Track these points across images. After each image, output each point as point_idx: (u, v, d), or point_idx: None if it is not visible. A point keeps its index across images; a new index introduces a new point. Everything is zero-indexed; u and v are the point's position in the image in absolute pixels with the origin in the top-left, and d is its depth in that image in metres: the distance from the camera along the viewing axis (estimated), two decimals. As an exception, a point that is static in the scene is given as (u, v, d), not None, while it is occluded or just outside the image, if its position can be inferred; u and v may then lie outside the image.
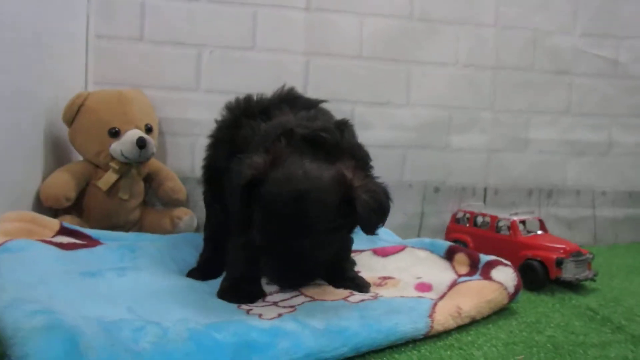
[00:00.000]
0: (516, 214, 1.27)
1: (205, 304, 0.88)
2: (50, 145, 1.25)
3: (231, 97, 1.42)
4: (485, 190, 1.57)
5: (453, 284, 0.99)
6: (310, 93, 1.45)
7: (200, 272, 1.05)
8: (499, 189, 1.57)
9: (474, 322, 0.93)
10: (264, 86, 1.43)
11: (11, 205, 1.08)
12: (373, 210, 0.83)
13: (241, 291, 0.92)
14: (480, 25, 1.52)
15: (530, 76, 1.56)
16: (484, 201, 1.56)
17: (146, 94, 1.38)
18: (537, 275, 1.12)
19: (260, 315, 0.84)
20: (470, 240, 1.34)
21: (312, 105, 1.03)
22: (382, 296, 0.95)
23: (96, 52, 1.40)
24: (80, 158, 1.29)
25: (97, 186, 1.24)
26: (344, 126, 0.95)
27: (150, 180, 1.36)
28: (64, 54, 1.32)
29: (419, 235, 1.54)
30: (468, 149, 1.54)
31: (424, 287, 1.01)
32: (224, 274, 1.00)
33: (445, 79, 1.51)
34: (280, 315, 0.84)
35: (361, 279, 1.03)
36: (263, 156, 0.84)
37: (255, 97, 1.06)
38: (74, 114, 1.23)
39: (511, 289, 0.98)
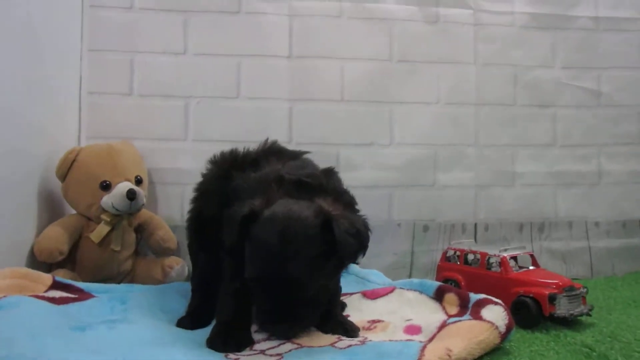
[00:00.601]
0: (506, 249, 1.27)
1: (192, 352, 0.87)
2: (44, 200, 1.28)
3: (219, 146, 1.44)
4: (475, 226, 1.57)
5: (443, 325, 0.98)
6: (295, 137, 1.50)
7: (189, 321, 1.05)
8: (490, 224, 1.58)
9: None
10: (250, 133, 1.47)
11: (5, 260, 1.10)
12: (350, 234, 0.89)
13: (230, 337, 0.92)
14: (459, 63, 1.56)
15: (513, 110, 1.59)
16: (475, 238, 1.56)
17: (137, 145, 1.42)
18: (530, 312, 1.11)
19: (244, 365, 0.83)
20: (461, 278, 1.33)
21: (297, 155, 1.10)
22: (370, 340, 0.94)
23: (89, 107, 1.45)
24: (73, 212, 1.32)
25: (89, 239, 1.26)
26: (330, 173, 1.05)
27: (141, 230, 1.38)
28: (58, 111, 1.36)
29: (410, 275, 1.54)
30: (455, 186, 1.56)
31: (413, 329, 1.00)
32: (213, 322, 0.99)
33: (429, 118, 1.55)
34: None
35: (350, 323, 1.03)
36: (259, 199, 0.92)
37: (241, 150, 1.11)
38: (67, 169, 1.26)
39: (502, 328, 0.97)
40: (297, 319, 0.90)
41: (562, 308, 1.12)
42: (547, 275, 1.22)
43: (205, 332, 0.97)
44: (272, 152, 1.08)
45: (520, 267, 1.27)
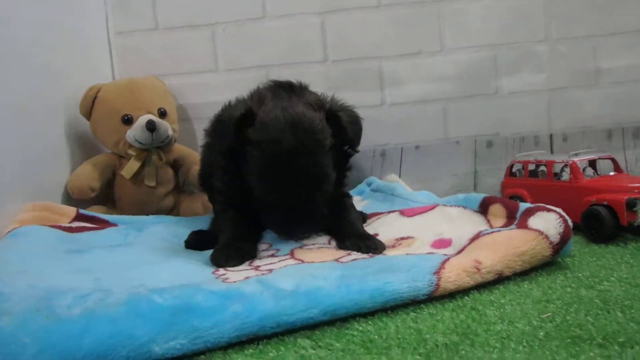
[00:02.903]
0: (577, 154, 1.02)
1: (179, 271, 0.79)
2: (76, 140, 1.27)
3: (251, 73, 1.38)
4: (550, 137, 1.30)
5: (476, 236, 0.80)
6: (331, 55, 1.35)
7: (195, 238, 0.97)
8: (568, 134, 1.29)
9: (504, 280, 0.74)
10: (282, 56, 1.36)
11: (40, 200, 1.10)
12: (351, 123, 0.89)
13: (233, 251, 0.84)
14: (520, -58, 1.27)
15: (593, -7, 1.26)
16: (551, 150, 1.30)
17: (168, 81, 1.36)
18: (602, 223, 0.88)
19: (225, 280, 0.73)
20: (526, 193, 1.10)
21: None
22: (384, 255, 0.79)
23: (118, 49, 1.42)
24: (107, 151, 1.31)
25: (123, 176, 1.25)
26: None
27: (178, 166, 1.33)
28: (87, 54, 1.35)
29: (474, 198, 1.33)
30: (523, 92, 1.29)
31: (441, 243, 0.82)
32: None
33: (485, 14, 1.28)
34: (247, 278, 0.72)
35: (374, 239, 0.87)
36: (245, 100, 0.88)
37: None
38: (89, 107, 1.24)
39: (555, 238, 0.76)
40: (316, 216, 0.85)
41: (645, 215, 0.87)
42: (626, 179, 0.95)
43: (208, 253, 0.88)
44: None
45: (598, 174, 1.02)
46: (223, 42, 1.38)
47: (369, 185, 1.31)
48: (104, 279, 0.75)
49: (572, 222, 0.79)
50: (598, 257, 0.80)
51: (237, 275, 0.75)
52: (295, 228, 0.86)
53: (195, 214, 1.29)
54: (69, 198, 1.21)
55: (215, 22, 1.37)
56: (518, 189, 1.11)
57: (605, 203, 0.88)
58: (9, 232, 0.94)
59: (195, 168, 1.31)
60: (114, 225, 1.10)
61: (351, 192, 1.30)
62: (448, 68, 1.30)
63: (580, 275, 0.74)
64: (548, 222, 0.78)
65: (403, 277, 0.68)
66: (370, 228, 0.98)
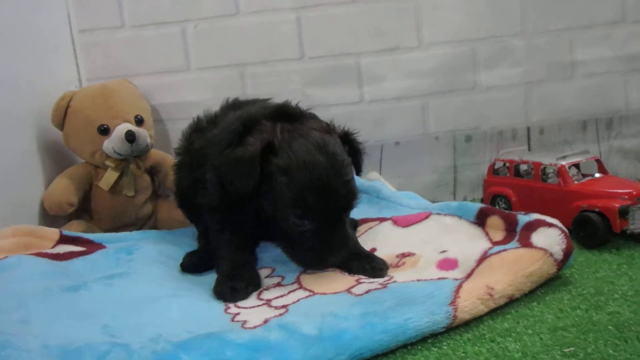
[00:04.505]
0: (564, 156, 1.00)
1: (189, 310, 0.74)
2: (48, 153, 1.16)
3: (224, 72, 1.28)
4: (528, 130, 1.28)
5: (484, 257, 0.77)
6: (307, 52, 1.26)
7: (190, 261, 0.91)
8: (545, 127, 1.28)
9: (514, 301, 0.72)
10: (256, 53, 1.26)
11: (18, 219, 1.01)
12: (362, 146, 0.89)
13: (237, 281, 0.79)
14: None
15: (569, -15, 1.22)
16: (528, 145, 1.28)
17: (138, 81, 1.25)
18: (596, 230, 0.87)
19: (244, 323, 0.68)
20: (512, 193, 1.08)
21: (255, 102, 0.99)
22: (394, 282, 0.75)
23: (82, 47, 1.27)
24: (82, 161, 1.19)
25: (100, 187, 1.14)
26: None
27: (155, 172, 1.23)
28: (49, 56, 1.21)
29: (454, 193, 1.30)
30: (501, 86, 1.26)
31: (448, 263, 0.79)
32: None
33: (462, 7, 1.22)
34: (266, 321, 0.67)
35: (377, 259, 0.84)
36: (259, 135, 0.80)
37: (203, 114, 1.01)
38: (62, 116, 1.12)
39: (559, 255, 0.74)
40: (350, 240, 0.82)
41: (637, 222, 0.86)
42: (616, 183, 0.96)
43: (208, 279, 0.84)
44: (232, 106, 0.98)
45: (584, 176, 1.01)
46: (194, 39, 1.26)
47: (351, 184, 1.25)
48: (113, 325, 0.70)
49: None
50: (595, 269, 0.80)
51: (252, 314, 0.72)
52: (333, 256, 0.79)
53: (175, 220, 1.20)
54: (46, 214, 1.10)
55: (186, 19, 1.25)
56: (503, 188, 1.09)
57: (597, 209, 0.87)
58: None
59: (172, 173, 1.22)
60: (101, 245, 1.01)
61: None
62: (426, 63, 1.25)
63: (585, 292, 0.74)
64: (551, 239, 0.76)
65: (421, 310, 0.66)
66: (364, 239, 0.95)
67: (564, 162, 0.97)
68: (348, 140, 0.86)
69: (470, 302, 0.67)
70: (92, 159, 1.14)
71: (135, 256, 0.95)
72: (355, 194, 0.81)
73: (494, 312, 0.70)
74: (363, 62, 1.25)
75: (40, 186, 1.12)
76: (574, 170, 1.01)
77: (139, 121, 1.15)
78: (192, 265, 0.90)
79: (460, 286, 0.69)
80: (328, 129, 0.84)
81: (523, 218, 0.83)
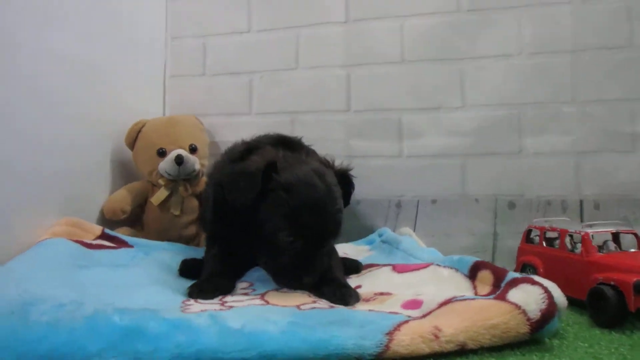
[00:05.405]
0: (591, 225, 0.86)
1: (154, 296, 0.78)
2: (119, 166, 1.33)
3: (278, 118, 1.37)
4: (581, 204, 1.14)
5: (448, 301, 0.69)
6: (354, 105, 1.31)
7: (186, 267, 0.96)
8: (601, 201, 1.12)
9: (469, 353, 0.62)
10: (307, 104, 1.34)
11: (77, 215, 1.13)
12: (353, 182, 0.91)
13: (209, 285, 0.82)
14: (547, 3, 1.17)
15: (628, 53, 1.12)
16: (581, 218, 1.12)
17: (207, 120, 1.40)
18: (607, 305, 0.72)
19: (185, 309, 0.69)
20: (540, 263, 0.95)
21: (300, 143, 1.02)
22: (348, 308, 0.70)
23: (170, 89, 1.48)
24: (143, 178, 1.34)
25: (152, 202, 1.27)
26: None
27: (204, 198, 1.33)
28: (147, 92, 1.44)
29: (492, 262, 1.18)
30: (548, 153, 1.16)
31: (413, 304, 0.73)
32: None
33: (509, 72, 1.19)
34: (203, 310, 0.68)
35: (351, 291, 0.80)
36: (263, 155, 0.84)
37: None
38: (134, 138, 1.30)
39: (534, 314, 0.63)
40: (325, 264, 0.83)
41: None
42: (641, 258, 0.79)
43: None
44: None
45: (616, 249, 0.85)
46: (258, 88, 1.38)
47: (380, 236, 1.21)
48: (87, 293, 0.75)
49: (580, 300, 0.65)
50: (591, 344, 0.66)
51: (201, 307, 0.72)
52: (307, 276, 0.79)
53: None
54: (103, 217, 1.24)
55: (254, 70, 1.39)
56: (532, 257, 0.97)
57: (612, 283, 0.72)
58: (40, 241, 0.98)
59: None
60: (130, 246, 1.10)
61: (361, 242, 1.23)
62: (468, 123, 1.22)
63: (563, 364, 0.60)
64: (529, 296, 0.66)
65: (353, 332, 0.62)
66: (357, 278, 0.89)
67: (589, 230, 0.84)
68: (344, 175, 0.88)
69: (410, 338, 0.60)
70: (150, 176, 1.28)
71: (150, 257, 1.03)
72: (340, 224, 0.82)
73: (442, 357, 0.61)
74: (405, 118, 1.26)
75: (106, 193, 1.27)
76: (611, 245, 0.87)
77: (193, 149, 1.28)
78: (186, 270, 0.95)
79: (406, 322, 0.63)
80: (325, 162, 0.88)
81: (512, 274, 0.73)
